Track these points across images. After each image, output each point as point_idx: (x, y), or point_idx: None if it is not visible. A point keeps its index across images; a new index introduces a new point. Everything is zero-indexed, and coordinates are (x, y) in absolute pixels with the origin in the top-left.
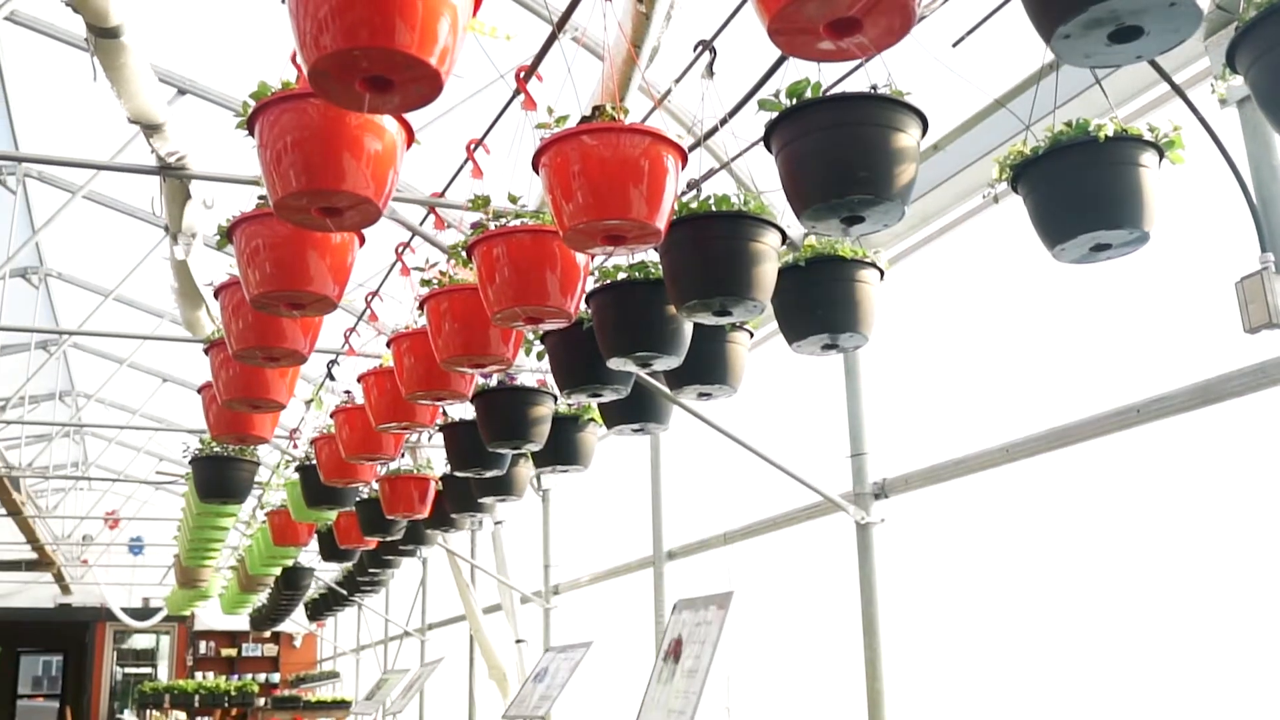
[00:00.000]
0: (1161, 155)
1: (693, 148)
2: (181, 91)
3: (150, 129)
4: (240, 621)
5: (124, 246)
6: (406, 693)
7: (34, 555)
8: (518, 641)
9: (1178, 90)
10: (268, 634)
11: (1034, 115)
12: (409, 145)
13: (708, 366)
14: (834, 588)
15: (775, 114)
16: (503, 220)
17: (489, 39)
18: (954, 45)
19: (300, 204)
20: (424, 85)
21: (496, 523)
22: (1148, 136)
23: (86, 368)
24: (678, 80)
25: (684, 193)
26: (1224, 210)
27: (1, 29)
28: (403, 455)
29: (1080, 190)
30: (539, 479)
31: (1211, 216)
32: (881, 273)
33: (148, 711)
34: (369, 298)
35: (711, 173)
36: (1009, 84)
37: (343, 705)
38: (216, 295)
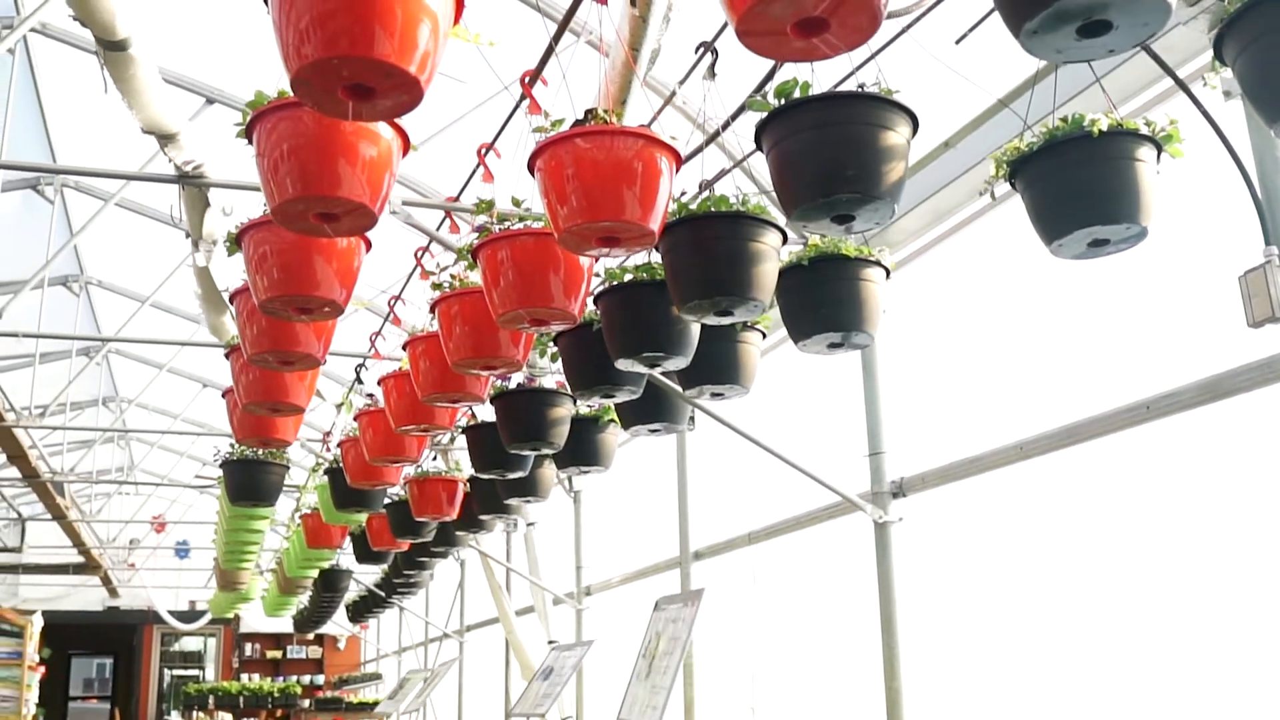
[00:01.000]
0: (1159, 150)
1: (690, 156)
2: (210, 100)
3: (164, 139)
4: (285, 624)
5: (162, 253)
6: (422, 693)
7: (81, 559)
8: (550, 642)
9: (1180, 83)
10: (311, 636)
11: (1041, 112)
12: (405, 151)
13: (719, 367)
14: (855, 585)
15: (764, 114)
16: (507, 223)
17: (476, 45)
18: (956, 42)
19: (298, 210)
20: (405, 92)
21: (529, 524)
22: (1144, 131)
23: (129, 374)
24: (682, 81)
25: (696, 193)
26: (1229, 204)
27: (35, 42)
28: (434, 457)
29: (1076, 185)
30: (570, 481)
31: (1217, 210)
32: (887, 271)
33: (194, 713)
34: (392, 301)
35: (723, 173)
36: (1016, 81)
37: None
38: (232, 301)
